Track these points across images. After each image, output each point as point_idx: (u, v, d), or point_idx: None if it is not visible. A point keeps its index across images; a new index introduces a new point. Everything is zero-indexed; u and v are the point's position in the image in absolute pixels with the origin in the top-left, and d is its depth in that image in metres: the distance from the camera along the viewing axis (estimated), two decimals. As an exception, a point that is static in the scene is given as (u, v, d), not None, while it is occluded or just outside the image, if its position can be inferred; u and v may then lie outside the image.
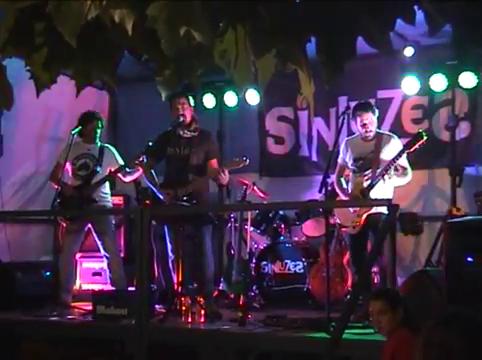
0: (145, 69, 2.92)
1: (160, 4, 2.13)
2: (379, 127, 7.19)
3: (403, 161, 6.36)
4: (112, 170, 7.28)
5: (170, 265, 6.80)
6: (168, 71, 2.78)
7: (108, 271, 7.36)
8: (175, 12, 2.09)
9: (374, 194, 6.26)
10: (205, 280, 6.76)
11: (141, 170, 7.16)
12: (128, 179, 7.42)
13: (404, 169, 6.40)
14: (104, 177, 7.29)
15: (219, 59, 2.33)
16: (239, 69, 2.22)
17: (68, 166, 7.31)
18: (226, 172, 6.59)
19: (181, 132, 6.81)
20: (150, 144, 6.93)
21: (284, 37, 2.15)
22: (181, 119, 6.73)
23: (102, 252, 7.31)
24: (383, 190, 6.29)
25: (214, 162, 6.82)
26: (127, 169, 7.26)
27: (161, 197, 6.75)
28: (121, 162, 7.40)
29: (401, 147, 6.36)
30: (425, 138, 6.21)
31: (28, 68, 2.82)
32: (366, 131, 6.47)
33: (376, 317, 4.33)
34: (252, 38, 2.14)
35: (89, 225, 7.29)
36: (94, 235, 7.32)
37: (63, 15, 2.26)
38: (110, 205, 7.55)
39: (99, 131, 7.42)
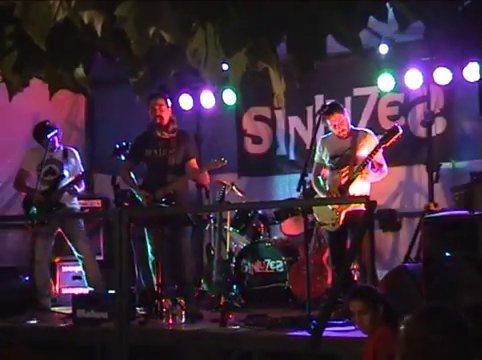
0: (121, 71, 2.91)
1: (128, 4, 2.12)
2: (355, 124, 7.24)
3: (378, 157, 6.39)
4: (74, 177, 7.34)
5: (150, 267, 6.79)
6: (142, 72, 2.77)
7: (84, 272, 7.34)
8: (143, 12, 2.09)
9: (352, 191, 6.28)
10: (185, 281, 6.75)
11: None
12: (80, 189, 7.43)
13: (380, 165, 6.43)
14: (70, 182, 7.29)
15: (191, 58, 2.33)
16: (209, 68, 2.21)
17: (33, 173, 7.33)
18: (206, 172, 6.60)
19: (159, 134, 6.79)
20: (117, 146, 7.00)
21: (254, 35, 2.15)
22: (158, 120, 6.71)
23: (75, 254, 7.31)
24: (360, 187, 6.31)
25: (193, 162, 6.81)
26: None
27: (140, 199, 6.73)
28: (82, 169, 7.45)
29: (377, 142, 6.39)
30: (400, 132, 6.26)
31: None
32: (339, 131, 6.49)
33: (357, 317, 4.34)
34: (222, 37, 2.13)
35: (59, 229, 7.27)
36: (66, 239, 7.30)
37: (31, 18, 2.24)
38: (78, 208, 7.54)
39: (57, 138, 7.37)
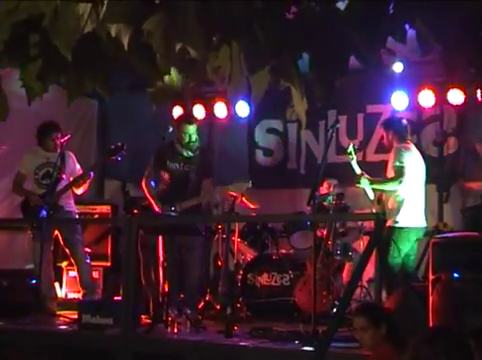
0: (135, 78, 2.97)
1: (156, 19, 2.15)
2: (368, 141, 7.31)
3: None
4: (72, 179, 7.32)
5: (160, 274, 6.82)
6: (160, 83, 2.81)
7: (77, 275, 7.35)
8: (171, 28, 2.11)
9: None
10: (191, 290, 6.81)
11: (89, 180, 7.38)
12: (80, 191, 7.42)
13: None
14: (68, 184, 7.28)
15: (212, 74, 2.36)
16: (233, 84, 2.24)
17: (30, 176, 7.34)
18: (218, 197, 6.85)
19: (184, 152, 6.97)
20: (112, 147, 7.25)
21: (278, 54, 2.17)
22: (189, 143, 6.92)
23: (72, 259, 7.32)
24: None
25: (209, 181, 6.97)
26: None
27: (156, 209, 6.79)
28: (80, 171, 7.44)
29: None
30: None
31: (21, 78, 2.83)
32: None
33: (359, 333, 4.36)
34: (247, 54, 2.16)
35: (56, 232, 7.28)
36: (61, 241, 7.31)
37: (59, 29, 2.27)
38: (75, 211, 7.54)
39: (58, 141, 7.34)
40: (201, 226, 7.00)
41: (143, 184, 7.00)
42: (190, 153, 6.97)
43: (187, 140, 6.91)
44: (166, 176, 7.00)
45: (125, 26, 2.20)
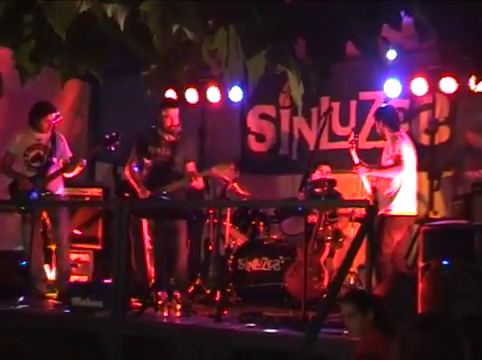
0: (129, 61, 2.96)
1: (153, 1, 2.14)
2: (360, 128, 7.30)
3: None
4: (64, 165, 7.27)
5: (147, 258, 6.83)
6: (154, 66, 2.80)
7: (55, 259, 7.33)
8: (168, 10, 2.10)
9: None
10: (179, 274, 6.82)
11: (81, 168, 7.29)
12: (69, 175, 7.36)
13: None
14: (59, 170, 7.24)
15: (208, 57, 2.35)
16: (230, 67, 2.23)
17: (19, 157, 7.26)
18: (200, 179, 6.70)
19: (166, 137, 6.92)
20: (107, 136, 7.08)
21: (275, 38, 2.17)
22: (171, 128, 6.87)
23: (55, 242, 7.30)
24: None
25: (191, 165, 6.94)
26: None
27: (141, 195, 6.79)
28: (70, 154, 7.38)
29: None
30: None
31: (14, 58, 2.81)
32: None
33: (347, 320, 4.40)
34: (244, 38, 2.15)
35: (45, 214, 7.24)
36: (49, 224, 7.27)
37: (54, 8, 2.24)
38: (63, 195, 7.48)
39: (50, 122, 7.28)
40: (190, 210, 6.99)
41: (126, 171, 6.98)
42: (172, 137, 6.93)
43: (169, 124, 6.86)
44: (149, 161, 6.97)
45: (121, 6, 2.18)
